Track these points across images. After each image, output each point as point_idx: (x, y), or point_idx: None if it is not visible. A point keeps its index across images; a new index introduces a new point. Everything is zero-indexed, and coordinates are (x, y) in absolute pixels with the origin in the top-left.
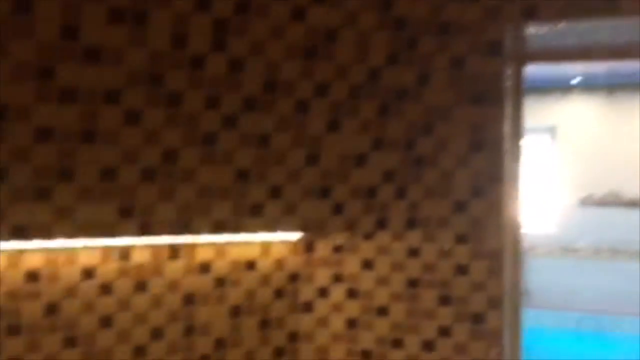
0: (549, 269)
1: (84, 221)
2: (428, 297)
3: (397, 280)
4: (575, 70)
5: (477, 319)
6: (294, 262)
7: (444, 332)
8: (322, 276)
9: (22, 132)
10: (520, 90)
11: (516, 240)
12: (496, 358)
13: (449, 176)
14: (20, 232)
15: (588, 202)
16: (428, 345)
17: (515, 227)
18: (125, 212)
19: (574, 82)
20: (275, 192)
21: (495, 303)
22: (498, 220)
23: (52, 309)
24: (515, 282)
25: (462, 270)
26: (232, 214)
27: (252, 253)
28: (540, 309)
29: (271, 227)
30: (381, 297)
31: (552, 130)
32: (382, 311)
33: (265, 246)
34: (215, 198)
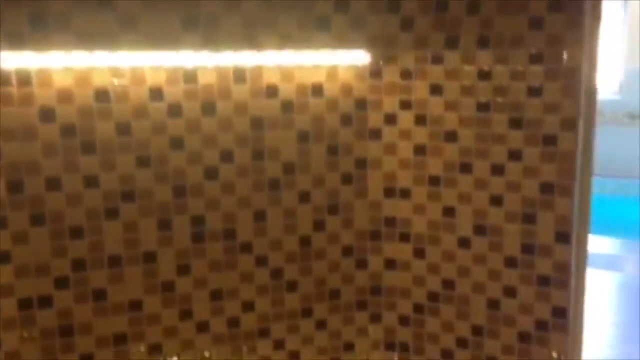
0: (613, 136)
1: (148, 32)
2: (498, 120)
3: (466, 104)
4: None
5: (549, 141)
6: (361, 88)
7: (514, 155)
8: (390, 102)
9: None
10: None
11: (593, 56)
12: (568, 181)
13: None
14: (86, 41)
15: None
16: (497, 169)
17: (594, 43)
18: (189, 23)
19: None
20: (342, 5)
21: (569, 124)
22: (576, 35)
23: (123, 128)
24: (591, 100)
25: (535, 91)
26: (298, 28)
27: (318, 77)
28: (604, 176)
29: (337, 43)
30: (450, 122)
31: None
32: (451, 136)
33: (332, 71)
34: (281, 10)
